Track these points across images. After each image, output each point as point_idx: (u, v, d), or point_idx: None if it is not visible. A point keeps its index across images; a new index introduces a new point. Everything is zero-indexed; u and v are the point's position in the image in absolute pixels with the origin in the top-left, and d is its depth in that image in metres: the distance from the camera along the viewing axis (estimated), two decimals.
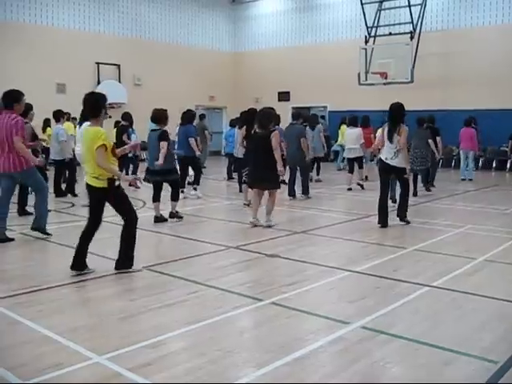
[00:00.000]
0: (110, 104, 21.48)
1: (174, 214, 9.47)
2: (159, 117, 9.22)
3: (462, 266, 6.50)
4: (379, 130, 17.08)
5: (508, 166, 19.82)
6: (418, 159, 12.57)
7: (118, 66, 22.87)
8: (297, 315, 4.88)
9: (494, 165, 20.10)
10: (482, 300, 5.35)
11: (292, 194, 12.26)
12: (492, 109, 19.22)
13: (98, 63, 22.23)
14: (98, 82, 22.16)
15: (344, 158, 17.28)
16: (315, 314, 4.85)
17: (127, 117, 14.19)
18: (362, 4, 21.31)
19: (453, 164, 19.50)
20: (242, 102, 25.91)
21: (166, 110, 9.28)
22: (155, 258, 6.76)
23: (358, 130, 14.13)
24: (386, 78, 20.52)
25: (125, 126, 14.06)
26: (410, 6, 20.21)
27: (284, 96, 25.47)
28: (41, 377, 3.62)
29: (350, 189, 13.73)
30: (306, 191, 12.34)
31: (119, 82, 22.84)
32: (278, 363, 3.84)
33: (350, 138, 14.23)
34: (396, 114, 9.28)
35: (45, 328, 4.45)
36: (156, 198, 9.38)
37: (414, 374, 3.77)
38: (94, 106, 6.02)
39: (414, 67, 19.74)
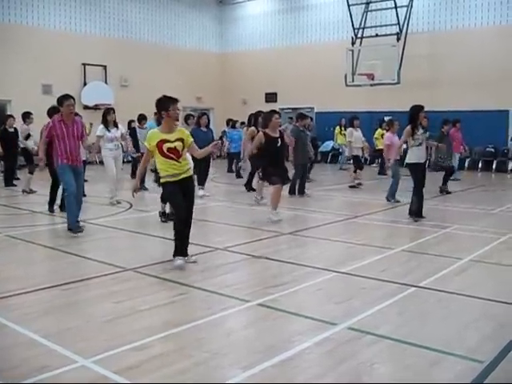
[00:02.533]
0: (96, 105, 21.57)
1: (171, 215, 9.49)
2: (158, 119, 9.50)
3: (448, 267, 6.53)
4: (379, 131, 17.56)
5: (494, 166, 19.99)
6: (437, 159, 13.40)
7: (105, 66, 22.76)
8: (284, 316, 4.88)
9: (479, 165, 20.25)
10: (468, 300, 5.38)
11: (300, 192, 12.82)
12: (478, 110, 19.36)
13: (84, 64, 22.11)
14: (85, 83, 22.07)
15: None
16: (302, 315, 4.85)
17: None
18: (348, 5, 21.35)
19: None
20: (229, 102, 25.98)
21: None
22: (142, 260, 6.73)
23: (347, 130, 14.97)
24: (372, 79, 20.59)
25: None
26: (396, 7, 20.29)
27: (271, 97, 25.50)
28: (27, 380, 3.59)
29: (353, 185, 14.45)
30: (290, 191, 12.67)
31: (106, 83, 22.74)
32: (264, 364, 3.84)
33: None
34: (408, 116, 9.68)
35: (31, 331, 4.42)
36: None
37: (401, 375, 3.78)
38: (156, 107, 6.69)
39: (400, 68, 19.82)
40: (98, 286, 5.77)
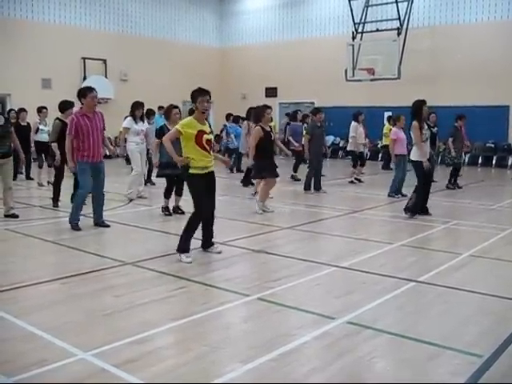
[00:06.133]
0: None
1: (176, 209, 9.63)
2: (166, 113, 9.87)
3: (447, 262, 6.54)
4: (386, 126, 17.51)
5: (494, 162, 19.97)
6: (446, 155, 13.61)
7: (105, 61, 22.70)
8: (283, 310, 4.88)
9: (479, 161, 20.24)
10: (467, 295, 5.39)
11: (316, 188, 12.75)
12: (478, 105, 19.31)
13: (84, 58, 22.03)
14: (85, 78, 21.97)
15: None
16: (301, 310, 4.86)
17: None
18: (349, 0, 21.32)
19: (439, 160, 19.56)
20: (229, 97, 25.92)
21: (175, 107, 9.69)
22: (142, 254, 6.74)
23: (352, 124, 14.62)
24: (373, 74, 20.54)
25: None
26: (397, 2, 20.23)
27: (271, 92, 25.44)
28: (26, 373, 3.59)
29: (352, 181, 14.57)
30: (305, 187, 12.71)
31: (106, 77, 22.66)
32: (263, 358, 3.84)
33: None
34: (411, 112, 9.47)
35: (30, 324, 4.42)
36: (167, 193, 9.53)
37: (400, 369, 3.79)
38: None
39: (401, 63, 19.76)
40: (97, 280, 5.78)
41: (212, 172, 6.73)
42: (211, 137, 6.69)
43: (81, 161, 8.11)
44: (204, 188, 6.59)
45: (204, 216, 6.65)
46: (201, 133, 6.47)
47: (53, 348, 4.01)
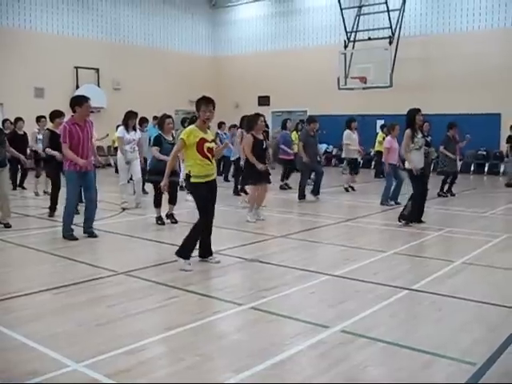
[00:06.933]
0: None
1: (170, 217, 9.63)
2: (159, 123, 9.98)
3: (440, 269, 6.55)
4: (380, 134, 17.54)
5: (486, 169, 20.06)
6: (440, 163, 13.83)
7: (97, 70, 22.72)
8: (277, 320, 4.87)
9: (472, 168, 20.32)
10: (461, 302, 5.39)
11: (315, 192, 12.88)
12: (470, 113, 19.41)
13: (76, 67, 22.05)
14: (77, 87, 21.99)
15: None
16: (295, 319, 4.85)
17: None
18: (341, 9, 21.44)
19: (431, 168, 19.62)
20: (222, 106, 25.74)
21: (169, 116, 9.77)
22: (135, 264, 6.71)
23: (345, 132, 14.67)
24: (365, 82, 20.66)
25: None
26: (388, 11, 20.39)
27: (264, 100, 25.51)
28: None
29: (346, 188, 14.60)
30: (299, 195, 12.64)
31: (98, 86, 22.69)
32: (257, 368, 3.83)
33: None
34: (406, 120, 9.50)
35: (22, 335, 4.39)
36: (157, 202, 9.48)
37: (394, 377, 3.77)
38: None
39: (392, 72, 19.89)
40: (90, 290, 5.75)
41: (214, 180, 6.76)
42: (213, 145, 6.72)
43: (68, 170, 8.10)
44: (207, 194, 6.66)
45: (208, 221, 6.71)
46: (202, 140, 6.51)
47: (45, 359, 3.98)
